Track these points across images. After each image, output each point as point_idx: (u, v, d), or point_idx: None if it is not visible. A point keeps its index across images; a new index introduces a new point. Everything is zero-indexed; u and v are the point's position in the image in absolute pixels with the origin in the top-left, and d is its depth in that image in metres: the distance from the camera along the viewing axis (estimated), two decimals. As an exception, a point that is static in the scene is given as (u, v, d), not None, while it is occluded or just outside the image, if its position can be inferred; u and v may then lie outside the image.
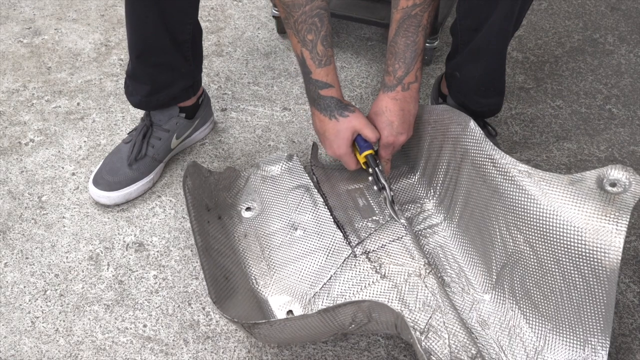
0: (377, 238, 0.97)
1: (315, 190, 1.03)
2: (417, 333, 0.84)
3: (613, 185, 0.74)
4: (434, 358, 0.81)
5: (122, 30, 1.51)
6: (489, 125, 1.11)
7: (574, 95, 1.29)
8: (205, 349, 0.89)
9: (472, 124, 0.91)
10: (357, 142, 0.96)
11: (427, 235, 0.98)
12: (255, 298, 0.90)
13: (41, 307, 0.95)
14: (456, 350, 0.82)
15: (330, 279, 0.92)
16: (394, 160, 1.08)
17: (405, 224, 0.97)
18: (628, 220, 0.72)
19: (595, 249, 0.74)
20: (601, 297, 0.75)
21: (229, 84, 1.35)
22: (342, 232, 0.97)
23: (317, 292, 0.91)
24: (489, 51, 0.96)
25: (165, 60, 1.02)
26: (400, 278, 0.91)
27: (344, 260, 0.94)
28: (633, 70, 1.34)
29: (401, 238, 0.96)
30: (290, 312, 0.89)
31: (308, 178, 1.06)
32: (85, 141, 1.22)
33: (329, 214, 0.99)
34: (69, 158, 1.19)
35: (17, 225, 1.07)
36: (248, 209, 1.03)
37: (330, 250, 0.95)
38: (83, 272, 0.99)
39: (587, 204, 0.75)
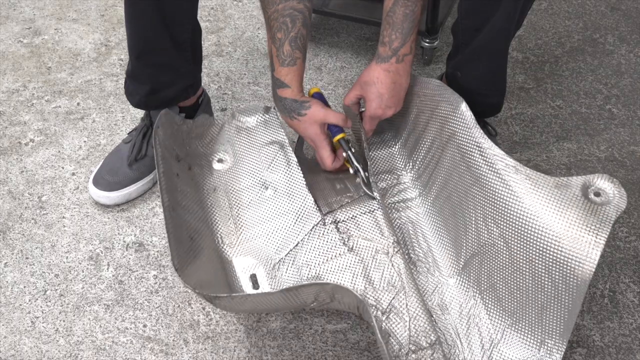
0: (348, 209, 0.95)
1: (290, 149, 1.00)
2: (379, 313, 0.83)
3: (597, 194, 0.74)
4: (392, 340, 0.80)
5: (122, 30, 1.51)
6: (489, 125, 1.11)
7: (574, 95, 1.29)
8: (205, 349, 0.89)
9: (464, 106, 0.89)
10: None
11: (400, 209, 0.96)
12: (220, 258, 0.89)
13: (41, 307, 0.95)
14: (415, 335, 0.81)
15: (297, 245, 0.90)
16: (377, 125, 1.04)
17: (379, 199, 0.95)
18: (608, 233, 0.71)
19: (570, 257, 0.73)
20: (566, 304, 0.74)
21: (229, 84, 1.35)
22: (313, 198, 0.95)
23: (282, 259, 0.89)
24: (491, 51, 0.96)
25: (165, 60, 1.02)
26: (368, 254, 0.90)
27: (313, 227, 0.92)
28: (633, 70, 1.34)
29: (373, 211, 0.94)
30: (253, 275, 0.88)
31: (284, 134, 1.02)
32: (85, 141, 1.22)
33: (302, 175, 0.96)
34: (69, 158, 1.19)
35: (17, 225, 1.07)
36: (220, 160, 1.01)
37: (299, 214, 0.93)
38: (83, 272, 0.99)
39: (570, 211, 0.75)
